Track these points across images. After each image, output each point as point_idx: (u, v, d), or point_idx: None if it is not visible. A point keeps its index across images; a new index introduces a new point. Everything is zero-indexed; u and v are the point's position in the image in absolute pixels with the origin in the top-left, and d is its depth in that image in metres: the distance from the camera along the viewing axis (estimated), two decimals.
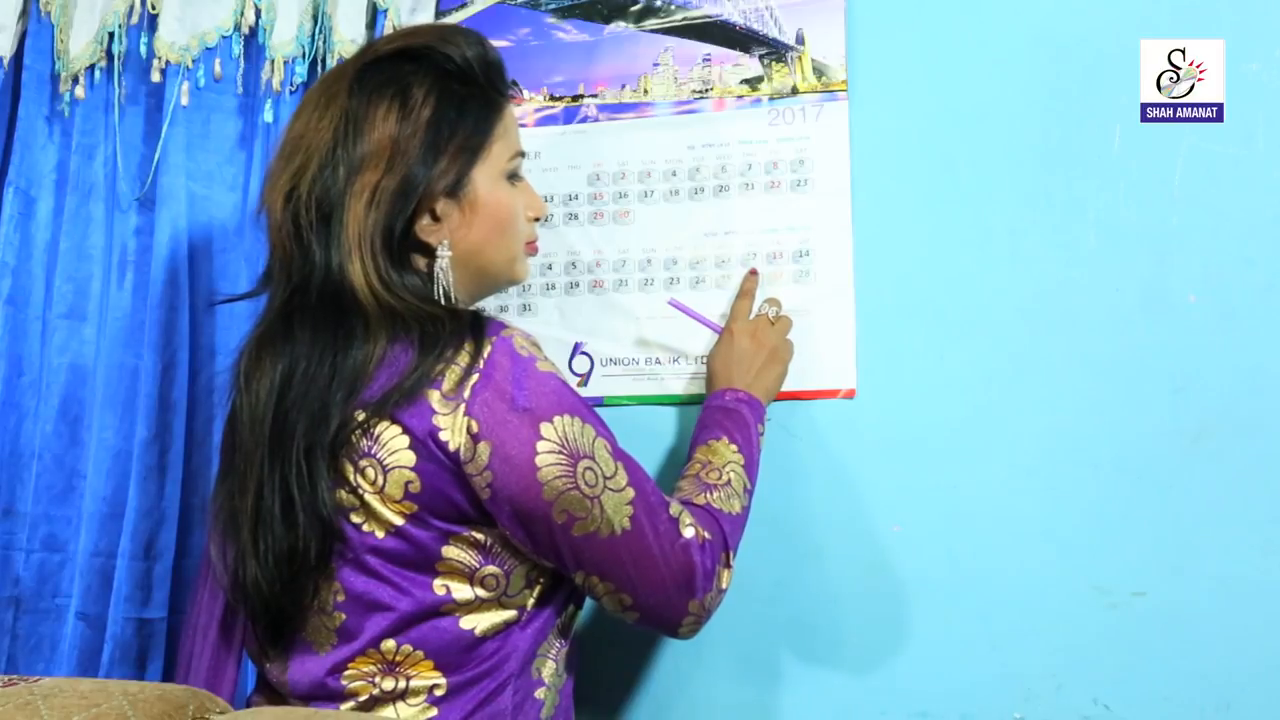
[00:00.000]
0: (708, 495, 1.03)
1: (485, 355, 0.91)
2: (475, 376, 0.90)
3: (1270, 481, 1.12)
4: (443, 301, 0.97)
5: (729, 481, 1.05)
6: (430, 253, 0.99)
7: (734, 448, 1.08)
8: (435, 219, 0.98)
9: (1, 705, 0.72)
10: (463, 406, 0.89)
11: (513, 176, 1.03)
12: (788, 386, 1.21)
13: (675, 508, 0.97)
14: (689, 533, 0.96)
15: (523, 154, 1.05)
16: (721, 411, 1.12)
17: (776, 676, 1.23)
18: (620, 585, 0.95)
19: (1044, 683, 1.16)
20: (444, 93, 0.98)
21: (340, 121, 0.96)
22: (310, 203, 0.95)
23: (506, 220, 1.02)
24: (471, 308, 1.01)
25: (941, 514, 1.20)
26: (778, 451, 1.22)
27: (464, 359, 0.91)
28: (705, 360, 1.23)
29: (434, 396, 0.90)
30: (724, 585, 0.99)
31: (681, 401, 1.27)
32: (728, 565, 1.00)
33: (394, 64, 0.99)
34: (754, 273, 1.25)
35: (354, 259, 0.94)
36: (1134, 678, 1.14)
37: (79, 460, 1.42)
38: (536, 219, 1.07)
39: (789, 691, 1.23)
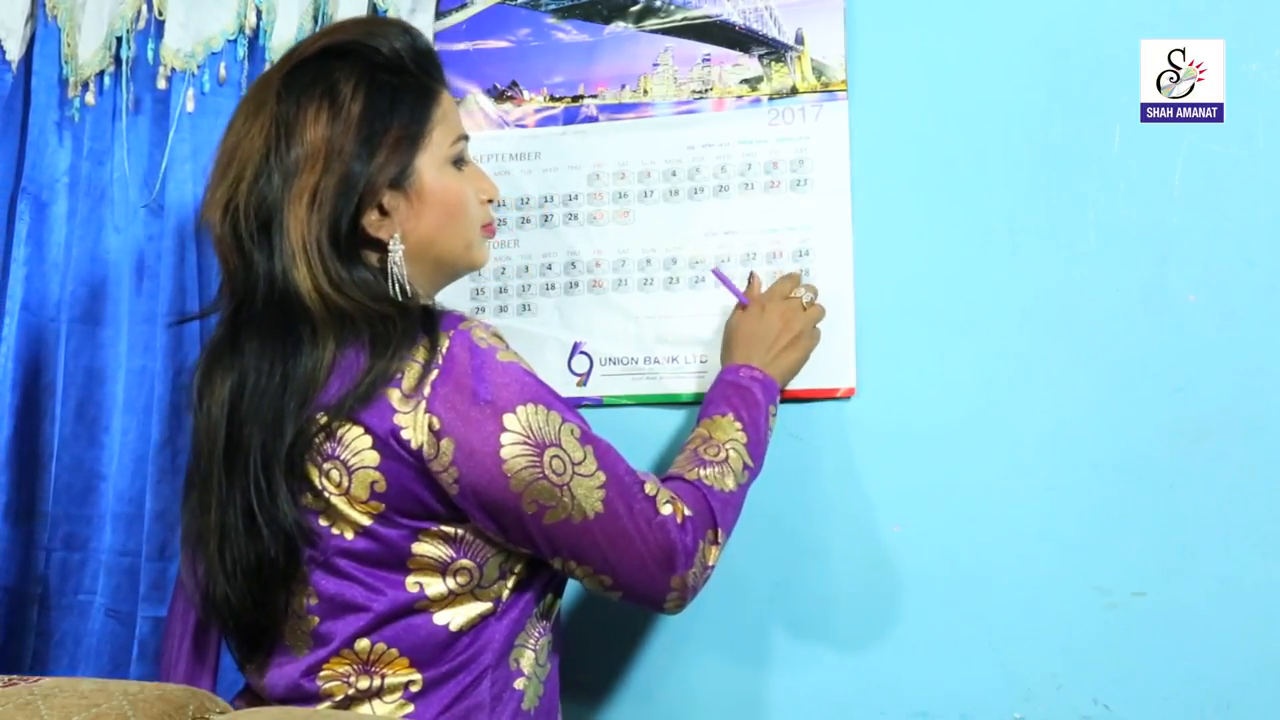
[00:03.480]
0: (700, 470, 1.02)
1: (444, 350, 0.91)
2: (435, 372, 0.90)
3: (1270, 481, 1.12)
4: (399, 296, 0.97)
5: (726, 459, 1.04)
6: (382, 248, 0.98)
7: (738, 425, 1.07)
8: (383, 213, 0.98)
9: (1, 705, 0.73)
10: (423, 404, 0.89)
11: (459, 161, 1.02)
12: (788, 386, 1.20)
13: (651, 486, 0.96)
14: (666, 510, 0.95)
15: (466, 138, 1.04)
16: (733, 387, 1.11)
17: (775, 676, 1.24)
18: (599, 568, 0.95)
19: (1044, 683, 1.16)
20: (373, 85, 0.97)
21: (271, 128, 0.95)
22: (248, 212, 0.94)
23: (457, 206, 1.01)
24: (424, 302, 1.00)
25: (941, 514, 1.20)
26: (778, 451, 1.21)
27: (421, 354, 0.90)
28: (724, 328, 1.22)
29: (394, 395, 0.90)
30: (711, 562, 0.98)
31: (681, 401, 1.28)
32: (715, 543, 0.99)
33: (320, 63, 0.98)
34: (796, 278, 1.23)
35: (299, 263, 0.93)
36: (1134, 678, 1.14)
37: (97, 461, 1.43)
38: (490, 201, 1.06)
39: (788, 691, 1.23)
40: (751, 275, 1.23)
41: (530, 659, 0.99)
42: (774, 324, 1.16)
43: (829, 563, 1.23)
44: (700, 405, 1.13)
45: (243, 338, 0.94)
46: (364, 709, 0.93)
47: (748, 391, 1.10)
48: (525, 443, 0.90)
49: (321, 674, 0.94)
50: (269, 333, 0.93)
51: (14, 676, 0.79)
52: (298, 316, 0.92)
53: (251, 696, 1.01)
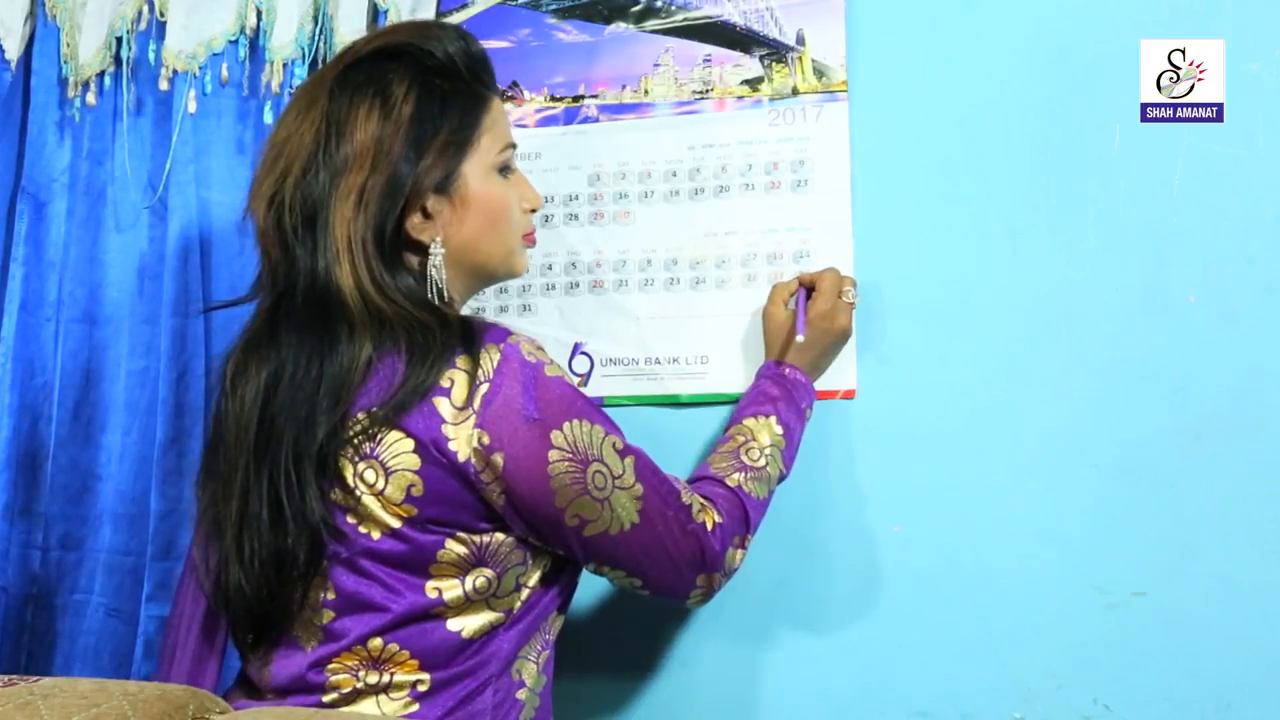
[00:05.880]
0: (742, 476, 1.06)
1: (495, 364, 0.91)
2: (485, 387, 0.90)
3: (1270, 481, 1.12)
4: (436, 300, 0.98)
5: (765, 466, 1.08)
6: (422, 251, 0.99)
7: (779, 431, 1.11)
8: (426, 216, 0.98)
9: (1, 705, 0.73)
10: (473, 418, 0.90)
11: (504, 169, 1.03)
12: None
13: (686, 495, 0.99)
14: (699, 518, 0.98)
15: (514, 146, 1.04)
16: (780, 387, 1.14)
17: (775, 677, 1.24)
18: (630, 571, 0.98)
19: (1044, 683, 1.16)
20: (425, 89, 0.98)
21: (321, 124, 0.96)
22: (294, 207, 0.95)
23: (500, 213, 1.02)
24: (463, 313, 1.01)
25: (941, 514, 1.20)
26: None
27: (464, 365, 0.91)
28: (762, 315, 1.22)
29: (443, 405, 0.90)
30: (735, 565, 1.03)
31: (681, 402, 1.28)
32: (742, 547, 1.03)
33: (374, 63, 0.98)
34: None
35: (342, 262, 0.93)
36: (1134, 678, 1.14)
37: (94, 461, 1.43)
38: (532, 210, 1.07)
39: (788, 692, 1.23)
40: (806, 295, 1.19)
41: (532, 671, 1.00)
42: (826, 326, 1.16)
43: (829, 563, 1.23)
44: (740, 399, 1.17)
45: (281, 331, 0.95)
46: (370, 703, 0.94)
47: (790, 397, 1.14)
48: (571, 459, 0.92)
49: (330, 667, 0.94)
50: (308, 328, 0.93)
51: (13, 676, 0.79)
52: (337, 314, 0.93)
53: (248, 687, 1.01)
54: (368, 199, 0.94)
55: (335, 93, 0.97)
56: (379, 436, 0.90)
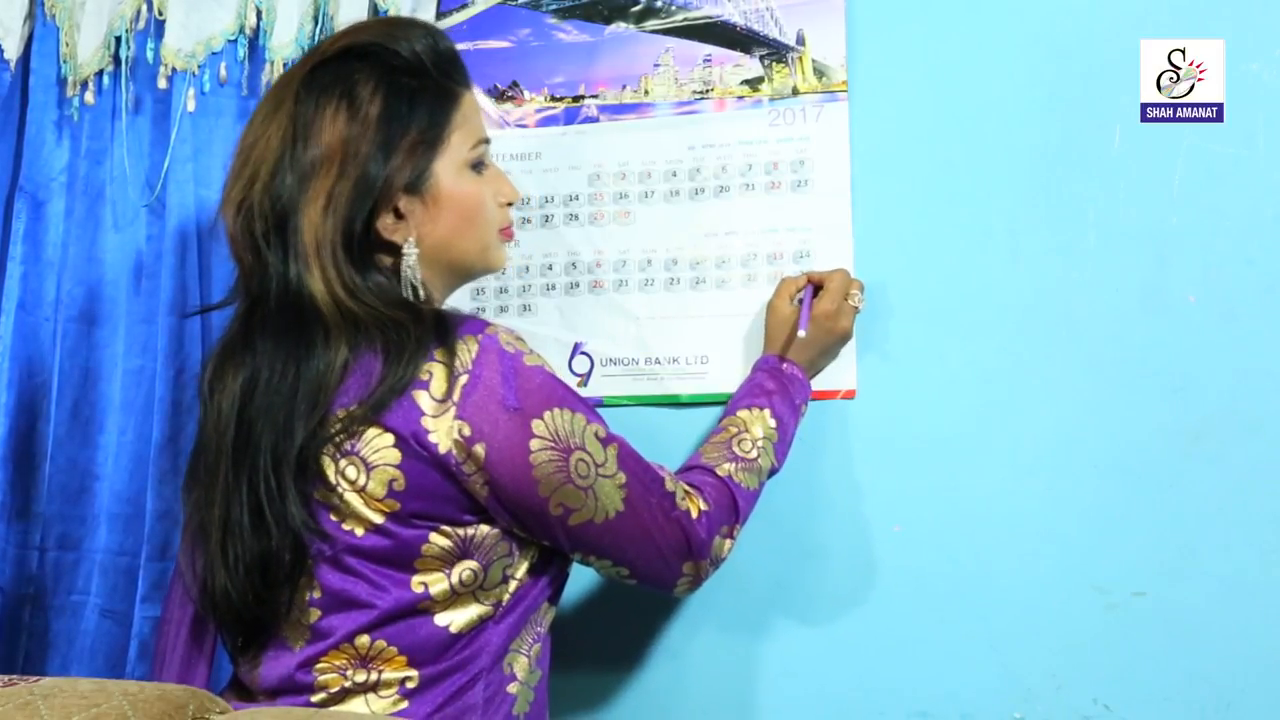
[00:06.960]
0: (733, 467, 1.06)
1: (474, 355, 0.91)
2: (465, 378, 0.90)
3: (1270, 481, 1.12)
4: (412, 299, 0.97)
5: (756, 458, 1.08)
6: (395, 251, 0.98)
7: (772, 424, 1.11)
8: (398, 217, 0.97)
9: (1, 705, 0.73)
10: (453, 410, 0.90)
11: (478, 165, 1.02)
12: None
13: (670, 482, 0.99)
14: (683, 505, 0.98)
15: (487, 141, 1.03)
16: (776, 381, 1.15)
17: (775, 677, 1.24)
18: (617, 560, 0.98)
19: (1044, 683, 1.16)
20: (392, 88, 0.96)
21: (288, 128, 0.95)
22: (263, 213, 0.94)
23: (474, 210, 1.01)
24: (437, 307, 1.00)
25: (941, 514, 1.20)
26: None
27: (442, 358, 0.90)
28: (766, 307, 1.22)
29: (423, 398, 0.90)
30: (723, 555, 1.03)
31: (681, 402, 1.28)
32: (730, 536, 1.03)
33: (340, 64, 0.97)
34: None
35: (313, 267, 0.93)
36: (1134, 678, 1.14)
37: (92, 461, 1.43)
38: (509, 204, 1.06)
39: (788, 692, 1.23)
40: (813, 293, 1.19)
41: (524, 665, 0.99)
42: (834, 330, 1.17)
43: (829, 563, 1.23)
44: (736, 391, 1.18)
45: (256, 336, 0.94)
46: (359, 702, 0.93)
47: (785, 392, 1.14)
48: (552, 448, 0.92)
49: (318, 666, 0.94)
50: (282, 333, 0.93)
51: (13, 676, 0.79)
52: (311, 319, 0.92)
53: (239, 689, 1.01)
54: (336, 203, 0.93)
55: (301, 95, 0.96)
56: (359, 433, 0.90)
